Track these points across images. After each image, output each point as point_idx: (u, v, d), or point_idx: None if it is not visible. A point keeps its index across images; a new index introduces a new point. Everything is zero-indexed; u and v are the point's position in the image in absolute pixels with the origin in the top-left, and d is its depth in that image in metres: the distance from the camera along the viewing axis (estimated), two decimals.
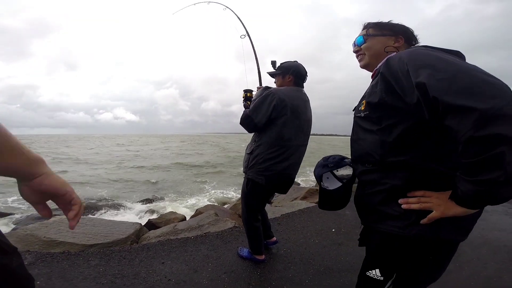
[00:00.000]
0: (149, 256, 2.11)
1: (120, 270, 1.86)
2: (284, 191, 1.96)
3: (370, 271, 0.88)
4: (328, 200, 1.06)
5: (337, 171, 1.03)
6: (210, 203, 5.42)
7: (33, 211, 5.31)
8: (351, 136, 0.97)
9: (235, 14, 2.42)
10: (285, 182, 1.90)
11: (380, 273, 0.86)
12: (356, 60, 1.03)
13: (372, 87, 0.85)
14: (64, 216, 3.72)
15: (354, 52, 1.02)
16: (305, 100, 1.89)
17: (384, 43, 0.92)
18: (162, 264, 2.00)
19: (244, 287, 1.79)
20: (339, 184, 1.01)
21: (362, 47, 0.97)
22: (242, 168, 1.98)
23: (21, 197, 0.56)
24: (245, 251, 2.19)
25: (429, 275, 0.87)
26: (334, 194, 1.02)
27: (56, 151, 25.63)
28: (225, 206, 4.96)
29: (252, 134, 1.95)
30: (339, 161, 1.03)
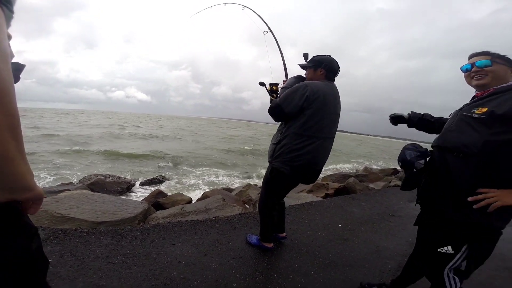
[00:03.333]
0: (160, 237, 2.15)
1: (132, 250, 1.90)
2: (309, 181, 1.95)
3: (442, 248, 1.18)
4: (415, 181, 1.28)
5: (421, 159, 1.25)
6: (216, 188, 5.47)
7: (46, 185, 5.45)
8: (447, 127, 1.23)
9: (254, 12, 2.42)
10: (311, 173, 1.89)
11: (452, 249, 1.16)
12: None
13: (504, 101, 1.03)
14: (75, 191, 3.77)
15: (473, 72, 1.18)
16: (336, 95, 1.86)
17: (505, 71, 1.12)
18: (172, 245, 2.04)
19: (251, 273, 1.82)
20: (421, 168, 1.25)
21: (486, 69, 1.14)
22: (267, 158, 1.98)
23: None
24: (254, 238, 2.22)
25: (482, 254, 1.17)
26: (420, 177, 1.26)
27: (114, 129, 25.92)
28: (232, 192, 4.99)
29: (276, 124, 1.97)
30: (425, 152, 1.26)
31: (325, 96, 1.74)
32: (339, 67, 1.88)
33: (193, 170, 8.84)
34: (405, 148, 1.30)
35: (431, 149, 1.30)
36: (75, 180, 5.88)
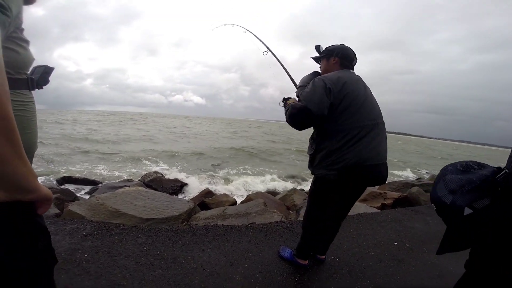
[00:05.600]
0: (192, 241, 2.15)
1: (162, 252, 1.93)
2: (374, 182, 1.61)
3: None
4: (467, 237, 0.76)
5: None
6: (261, 191, 5.40)
7: (111, 180, 6.26)
8: None
9: (254, 35, 2.47)
10: (368, 171, 1.53)
11: None
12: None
13: None
14: (131, 188, 4.16)
15: None
16: (357, 78, 1.65)
17: None
18: (202, 251, 2.01)
19: None
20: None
21: None
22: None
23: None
24: (287, 252, 2.03)
25: None
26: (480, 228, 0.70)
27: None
28: (276, 196, 4.84)
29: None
30: (487, 179, 0.68)
31: (347, 81, 1.54)
32: (355, 55, 1.72)
33: (245, 171, 8.99)
34: (442, 174, 0.77)
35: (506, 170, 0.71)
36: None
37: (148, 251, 1.93)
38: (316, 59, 1.83)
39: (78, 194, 4.86)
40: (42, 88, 0.97)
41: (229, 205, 4.15)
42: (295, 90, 1.91)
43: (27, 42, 0.78)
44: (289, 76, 2.06)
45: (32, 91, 0.89)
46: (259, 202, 3.56)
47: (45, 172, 6.75)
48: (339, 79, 1.52)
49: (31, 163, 0.82)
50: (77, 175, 6.36)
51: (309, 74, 1.76)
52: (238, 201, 4.65)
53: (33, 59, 0.87)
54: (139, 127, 25.93)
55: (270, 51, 2.30)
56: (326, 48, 1.75)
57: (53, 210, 3.22)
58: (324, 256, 2.07)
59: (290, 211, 4.16)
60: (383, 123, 1.63)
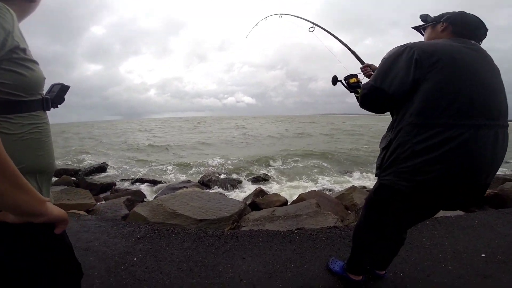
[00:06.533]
0: (235, 247, 2.09)
1: (203, 258, 1.93)
2: (459, 205, 1.24)
3: None
4: None
5: None
6: (315, 189, 5.09)
7: (172, 181, 6.81)
8: None
9: (292, 15, 2.31)
10: (458, 191, 1.12)
11: None
12: None
13: None
14: (188, 189, 4.44)
15: None
16: (476, 54, 1.13)
17: None
18: (242, 259, 1.93)
19: None
20: None
21: None
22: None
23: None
24: (337, 265, 1.77)
25: None
26: None
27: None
28: (332, 195, 4.48)
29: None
30: None
31: (452, 56, 1.07)
32: (480, 23, 1.19)
33: (300, 169, 8.69)
34: None
35: None
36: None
37: (191, 256, 1.95)
38: (418, 29, 1.42)
39: (147, 194, 5.47)
40: (57, 107, 1.00)
41: (280, 205, 4.03)
42: (359, 66, 1.64)
43: (33, 62, 0.78)
44: (346, 46, 1.79)
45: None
46: (311, 203, 3.33)
47: (124, 175, 7.86)
48: (437, 51, 1.07)
49: (49, 182, 0.84)
50: (150, 177, 7.15)
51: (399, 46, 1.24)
52: (289, 200, 4.47)
53: (44, 78, 0.87)
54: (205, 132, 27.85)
55: (316, 25, 2.07)
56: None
57: (123, 211, 3.66)
58: (384, 272, 1.72)
59: (348, 211, 3.80)
60: (507, 126, 1.11)
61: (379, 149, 1.26)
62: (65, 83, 1.03)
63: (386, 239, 1.41)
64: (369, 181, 7.13)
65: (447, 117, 1.04)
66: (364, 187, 5.62)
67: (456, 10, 1.25)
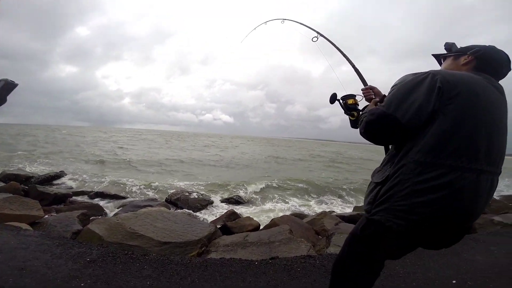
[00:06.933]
0: (203, 278, 1.87)
1: None
2: (440, 245, 1.15)
3: None
4: None
5: None
6: (286, 214, 4.99)
7: (138, 198, 6.32)
8: None
9: (296, 22, 2.24)
10: (447, 232, 1.07)
11: None
12: None
13: None
14: (153, 208, 4.08)
15: None
16: (498, 93, 1.07)
17: None
18: None
19: None
20: None
21: None
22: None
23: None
24: None
25: None
26: None
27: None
28: (304, 219, 4.42)
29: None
30: None
31: (476, 91, 0.99)
32: (508, 62, 1.12)
33: (274, 191, 8.60)
34: None
35: None
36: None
37: (151, 286, 1.70)
38: (438, 57, 1.31)
39: (106, 210, 4.95)
40: None
41: (252, 229, 3.86)
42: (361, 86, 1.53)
43: None
44: (351, 63, 1.70)
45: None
46: (284, 229, 3.21)
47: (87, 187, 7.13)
48: (462, 80, 0.99)
49: None
50: (112, 192, 6.55)
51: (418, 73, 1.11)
52: (262, 225, 4.31)
53: None
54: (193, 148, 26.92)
55: (321, 35, 1.99)
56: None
57: (76, 226, 3.22)
58: None
59: (319, 236, 3.74)
60: (500, 173, 1.08)
61: (373, 182, 1.16)
62: (13, 80, 0.85)
63: (373, 273, 1.33)
64: (339, 207, 7.26)
65: (455, 158, 0.96)
66: (332, 212, 5.65)
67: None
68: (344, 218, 4.50)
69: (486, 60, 1.11)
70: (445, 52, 1.24)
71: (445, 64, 1.25)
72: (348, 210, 6.61)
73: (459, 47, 1.21)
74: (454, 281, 2.02)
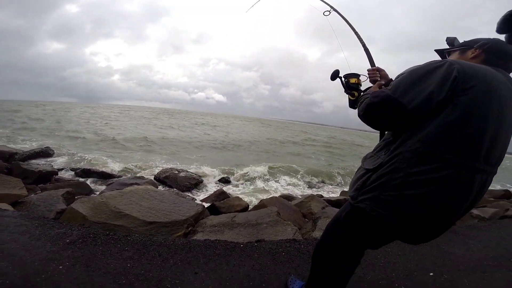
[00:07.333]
0: (186, 260, 1.85)
1: (147, 271, 1.66)
2: (419, 239, 1.12)
3: None
4: None
5: None
6: (276, 195, 5.03)
7: (125, 175, 6.22)
8: None
9: None
10: (430, 227, 1.04)
11: None
12: None
13: None
14: (140, 187, 3.98)
15: None
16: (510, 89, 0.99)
17: None
18: (194, 274, 1.70)
19: None
20: None
21: None
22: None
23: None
24: (297, 285, 1.64)
25: None
26: None
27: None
28: (292, 201, 4.46)
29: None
30: None
31: (492, 86, 0.92)
32: None
33: (267, 174, 8.64)
34: None
35: None
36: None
37: (132, 268, 1.66)
38: (442, 53, 1.25)
39: (93, 188, 4.86)
40: None
41: (241, 210, 3.86)
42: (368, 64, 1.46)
43: None
44: (361, 41, 1.62)
45: None
46: (272, 211, 3.21)
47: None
48: (480, 72, 0.93)
49: None
50: (99, 169, 6.42)
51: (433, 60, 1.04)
52: (251, 205, 4.33)
53: None
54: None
55: (334, 9, 1.87)
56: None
57: (60, 205, 3.12)
58: None
59: (306, 219, 3.79)
60: (494, 174, 1.03)
61: (363, 168, 1.11)
62: None
63: (354, 261, 1.32)
64: (327, 191, 7.39)
65: (454, 153, 0.92)
66: (321, 196, 5.74)
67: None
68: (331, 202, 4.54)
69: (495, 53, 1.05)
70: (448, 47, 1.19)
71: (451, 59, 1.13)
72: (335, 195, 6.73)
73: (461, 41, 1.16)
74: (431, 274, 2.06)
